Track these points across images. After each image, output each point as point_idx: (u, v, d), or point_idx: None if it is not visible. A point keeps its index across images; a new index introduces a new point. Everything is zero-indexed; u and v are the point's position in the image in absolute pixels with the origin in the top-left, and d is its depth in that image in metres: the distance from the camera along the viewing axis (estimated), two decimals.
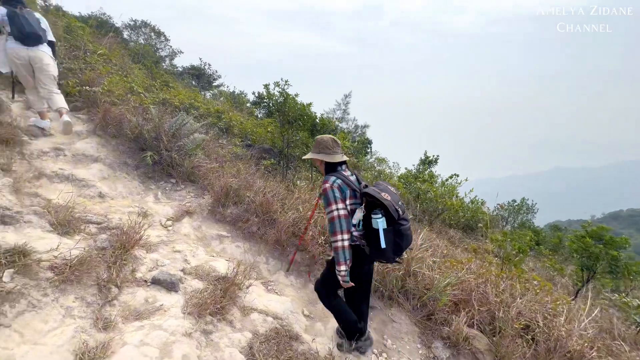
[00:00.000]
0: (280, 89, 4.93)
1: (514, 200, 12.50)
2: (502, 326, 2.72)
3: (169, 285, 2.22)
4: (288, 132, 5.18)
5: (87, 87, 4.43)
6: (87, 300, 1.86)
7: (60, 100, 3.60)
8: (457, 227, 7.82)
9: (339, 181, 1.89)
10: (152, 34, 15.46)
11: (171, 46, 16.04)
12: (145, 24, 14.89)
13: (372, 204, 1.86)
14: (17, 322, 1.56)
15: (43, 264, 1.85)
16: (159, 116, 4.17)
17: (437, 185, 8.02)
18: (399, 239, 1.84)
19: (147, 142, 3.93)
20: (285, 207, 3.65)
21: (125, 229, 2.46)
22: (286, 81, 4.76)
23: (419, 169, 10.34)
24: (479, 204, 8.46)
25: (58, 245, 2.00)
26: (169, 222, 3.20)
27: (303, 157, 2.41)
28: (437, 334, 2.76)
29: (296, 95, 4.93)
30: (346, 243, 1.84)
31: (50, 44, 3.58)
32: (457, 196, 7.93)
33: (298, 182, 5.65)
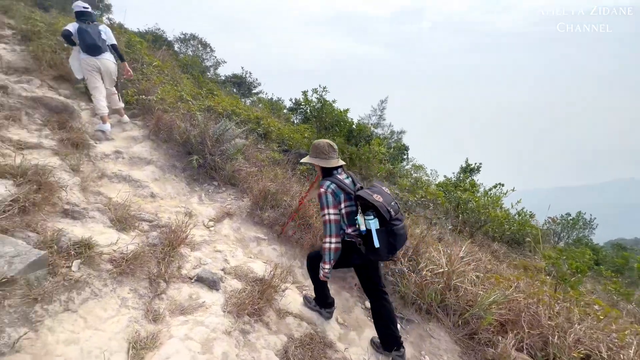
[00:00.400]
0: (318, 96, 5.00)
1: (568, 214, 11.37)
2: (557, 353, 2.46)
3: (211, 283, 2.33)
4: (325, 138, 5.23)
5: (144, 96, 4.85)
6: (140, 293, 2.01)
7: (118, 101, 4.31)
8: (502, 240, 7.28)
9: (333, 186, 1.99)
10: (199, 45, 16.62)
11: (215, 56, 17.10)
12: (193, 37, 16.07)
13: (365, 206, 1.93)
14: (82, 308, 1.73)
15: (104, 256, 2.04)
16: (204, 122, 4.43)
17: (479, 194, 7.55)
18: (392, 238, 1.90)
19: (193, 147, 4.20)
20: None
21: (173, 228, 2.64)
22: (324, 88, 4.83)
23: (460, 177, 9.83)
24: (527, 216, 7.81)
25: (117, 240, 2.19)
26: (211, 223, 3.37)
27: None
28: (481, 355, 2.57)
29: (333, 101, 4.96)
30: (333, 245, 1.99)
31: (113, 47, 4.11)
32: (501, 207, 7.40)
33: None
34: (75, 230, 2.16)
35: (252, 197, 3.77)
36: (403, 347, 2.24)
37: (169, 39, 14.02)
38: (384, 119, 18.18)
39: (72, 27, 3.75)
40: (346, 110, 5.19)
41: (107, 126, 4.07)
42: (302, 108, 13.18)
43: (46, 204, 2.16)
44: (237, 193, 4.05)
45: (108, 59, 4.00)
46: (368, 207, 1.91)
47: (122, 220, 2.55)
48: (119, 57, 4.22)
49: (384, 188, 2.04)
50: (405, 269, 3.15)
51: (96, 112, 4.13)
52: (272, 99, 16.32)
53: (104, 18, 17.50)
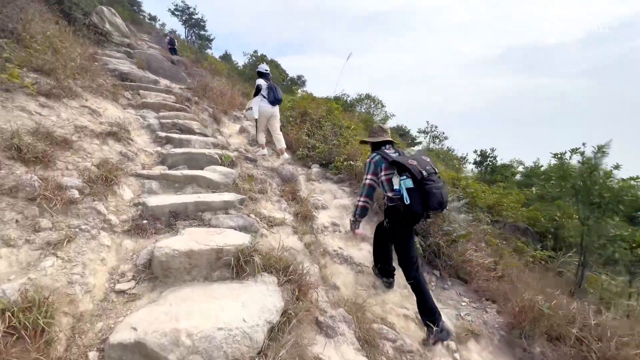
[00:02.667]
0: (582, 158, 3.44)
1: None
2: None
3: None
4: (597, 221, 3.46)
5: (351, 162, 4.81)
6: None
7: (282, 142, 5.12)
8: None
9: (377, 157, 2.44)
10: (372, 103, 17.90)
11: (385, 111, 17.87)
12: (368, 96, 17.53)
13: (400, 169, 2.22)
14: None
15: None
16: None
17: None
18: (425, 196, 2.10)
19: None
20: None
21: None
22: (600, 147, 3.25)
23: None
24: None
25: None
26: (453, 345, 2.40)
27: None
28: None
29: (616, 167, 3.25)
30: (361, 203, 2.52)
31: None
32: None
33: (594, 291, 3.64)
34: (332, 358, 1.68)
35: (506, 313, 2.59)
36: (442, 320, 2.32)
37: (350, 98, 15.69)
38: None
39: (262, 83, 4.86)
40: (635, 179, 3.32)
41: (265, 151, 5.09)
42: (489, 162, 11.18)
43: (307, 318, 1.81)
44: (471, 294, 2.98)
45: (277, 108, 5.07)
46: (403, 170, 2.19)
47: (367, 340, 1.97)
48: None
49: (423, 157, 2.32)
50: None
51: (258, 142, 5.23)
52: (450, 150, 14.87)
53: (299, 90, 22.09)
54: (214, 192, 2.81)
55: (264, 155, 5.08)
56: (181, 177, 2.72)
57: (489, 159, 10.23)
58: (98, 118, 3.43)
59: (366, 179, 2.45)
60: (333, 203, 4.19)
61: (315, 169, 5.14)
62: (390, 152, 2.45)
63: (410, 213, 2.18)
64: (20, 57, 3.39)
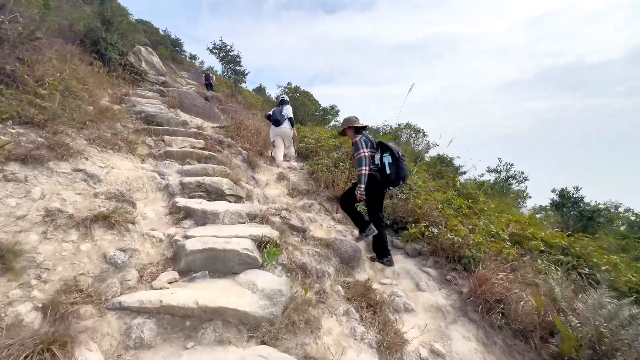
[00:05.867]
0: None
1: None
2: None
3: None
4: None
5: (431, 229, 3.46)
6: None
7: (293, 152, 6.13)
8: None
9: (363, 137, 3.11)
10: (412, 132, 16.56)
11: (428, 141, 16.41)
12: (408, 125, 16.26)
13: (383, 149, 3.08)
14: None
15: None
16: (562, 292, 2.31)
17: None
18: (399, 170, 2.93)
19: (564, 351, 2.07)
20: None
21: None
22: None
23: None
24: None
25: None
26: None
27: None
28: None
29: None
30: (365, 172, 2.98)
31: (290, 120, 5.80)
32: None
33: None
34: None
35: None
36: (390, 255, 3.22)
37: (388, 129, 14.50)
38: None
39: (271, 111, 5.90)
40: None
41: (287, 163, 5.83)
42: (571, 203, 8.82)
43: None
44: None
45: (285, 127, 5.71)
46: (385, 150, 3.03)
47: None
48: (291, 125, 5.83)
49: (391, 143, 3.12)
50: None
51: (276, 159, 5.76)
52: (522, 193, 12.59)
53: (332, 120, 21.38)
54: (251, 336, 1.58)
55: (291, 167, 5.74)
56: (196, 310, 1.53)
57: (572, 199, 8.00)
58: (94, 186, 2.45)
59: (363, 152, 3.00)
60: (420, 300, 2.81)
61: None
62: (370, 136, 3.21)
63: (387, 181, 2.99)
64: (5, 106, 2.58)
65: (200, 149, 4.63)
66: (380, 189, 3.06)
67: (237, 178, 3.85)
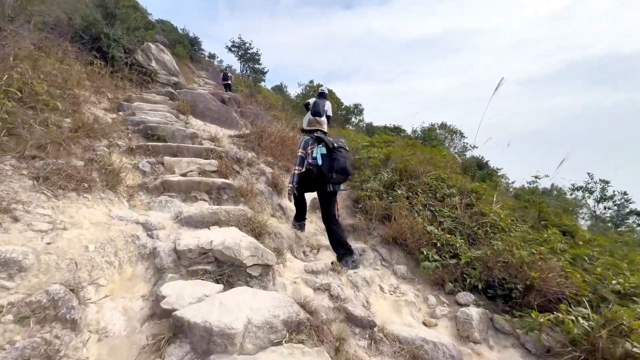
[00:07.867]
0: None
1: None
2: None
3: None
4: None
5: (513, 283, 2.11)
6: None
7: None
8: None
9: (307, 137, 3.03)
10: (447, 133, 14.91)
11: (466, 142, 14.69)
12: (443, 126, 14.62)
13: (318, 141, 2.87)
14: None
15: None
16: None
17: None
18: (333, 161, 2.74)
19: None
20: None
21: None
22: None
23: None
24: None
25: None
26: None
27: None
28: None
29: None
30: (296, 172, 2.97)
31: (328, 118, 4.83)
32: None
33: None
34: None
35: None
36: (355, 254, 2.88)
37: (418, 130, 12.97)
38: None
39: (311, 100, 4.49)
40: None
41: None
42: None
43: None
44: None
45: (324, 120, 4.56)
46: (320, 142, 2.84)
47: None
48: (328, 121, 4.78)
49: (340, 139, 3.01)
50: None
51: None
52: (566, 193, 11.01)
53: (357, 119, 20.03)
54: None
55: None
56: None
57: None
58: (6, 285, 1.32)
59: (299, 152, 3.00)
60: None
61: (473, 311, 2.51)
62: (318, 134, 3.05)
63: (319, 174, 2.77)
64: None
65: (212, 172, 3.49)
66: (318, 184, 2.91)
67: (263, 223, 2.67)
